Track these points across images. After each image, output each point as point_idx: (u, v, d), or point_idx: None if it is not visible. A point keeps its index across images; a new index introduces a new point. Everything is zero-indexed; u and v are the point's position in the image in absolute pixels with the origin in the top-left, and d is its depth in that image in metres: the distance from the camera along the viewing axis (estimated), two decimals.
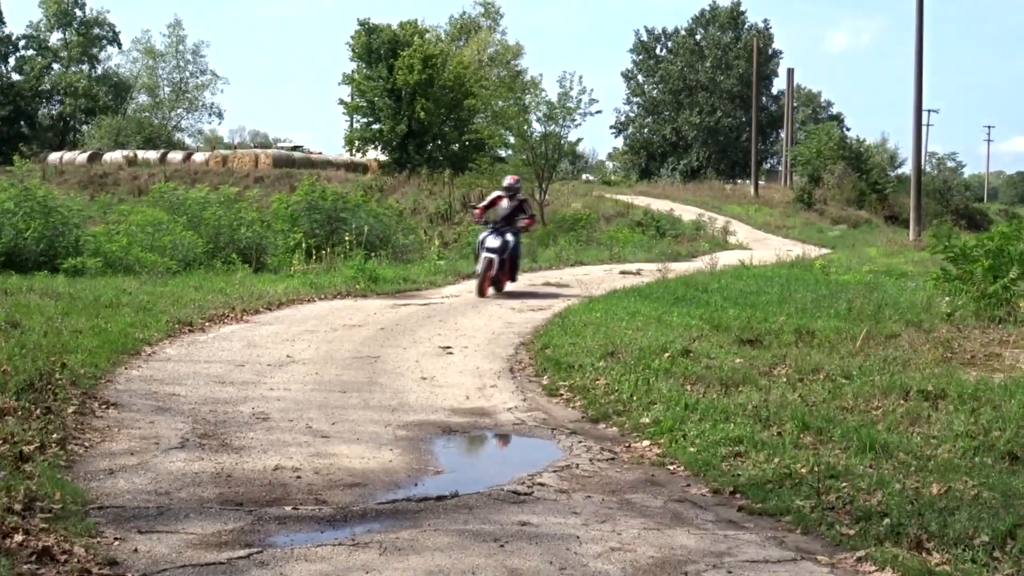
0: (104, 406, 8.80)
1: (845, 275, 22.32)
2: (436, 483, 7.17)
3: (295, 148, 73.57)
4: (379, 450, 7.86)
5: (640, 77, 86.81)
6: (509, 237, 18.26)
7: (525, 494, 6.81)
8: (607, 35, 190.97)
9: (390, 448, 7.93)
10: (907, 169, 61.22)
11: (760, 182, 63.70)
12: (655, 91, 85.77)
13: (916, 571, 5.45)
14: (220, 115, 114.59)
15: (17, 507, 5.63)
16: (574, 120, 39.43)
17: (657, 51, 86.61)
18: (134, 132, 76.83)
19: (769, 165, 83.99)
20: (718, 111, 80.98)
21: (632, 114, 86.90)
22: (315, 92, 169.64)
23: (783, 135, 73.42)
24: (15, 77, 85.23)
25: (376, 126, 62.44)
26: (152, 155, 64.99)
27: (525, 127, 39.88)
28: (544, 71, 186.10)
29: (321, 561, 5.41)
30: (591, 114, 41.61)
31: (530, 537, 5.86)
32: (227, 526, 5.92)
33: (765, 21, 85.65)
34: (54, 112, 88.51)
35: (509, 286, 18.78)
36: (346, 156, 66.61)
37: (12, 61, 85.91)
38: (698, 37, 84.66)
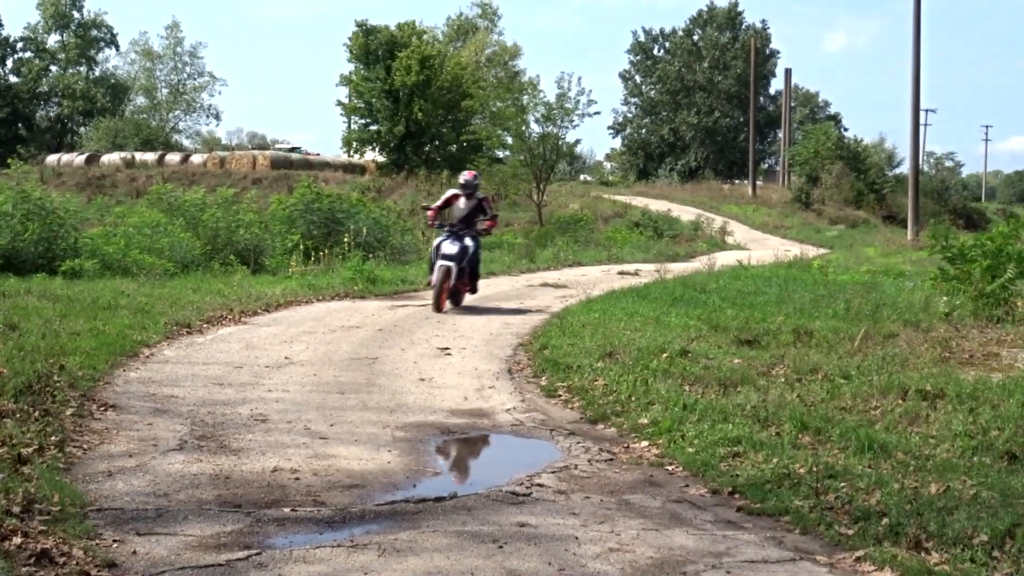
0: (102, 408, 8.80)
1: (843, 275, 22.33)
2: (435, 484, 7.18)
3: (293, 149, 73.46)
4: (377, 451, 7.86)
5: (638, 78, 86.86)
6: (468, 242, 16.02)
7: (524, 495, 6.82)
8: (605, 36, 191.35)
9: (388, 449, 7.93)
10: (905, 169, 61.44)
11: (758, 182, 63.72)
12: (653, 92, 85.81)
13: (915, 571, 5.45)
14: (218, 117, 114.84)
15: (16, 509, 5.63)
16: (572, 121, 39.42)
17: (655, 52, 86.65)
18: (132, 134, 76.71)
19: (767, 165, 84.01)
20: (716, 111, 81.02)
21: (630, 115, 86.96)
22: (313, 93, 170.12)
23: (781, 135, 73.47)
24: (13, 79, 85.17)
25: (374, 127, 62.37)
26: (150, 157, 64.91)
27: (523, 128, 39.86)
28: (542, 72, 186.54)
29: (320, 563, 5.41)
30: (589, 115, 41.69)
31: (529, 538, 5.86)
32: (226, 528, 5.92)
33: (762, 21, 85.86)
34: (52, 114, 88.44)
35: (468, 298, 16.74)
36: (344, 157, 66.54)
37: (10, 63, 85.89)
38: (695, 38, 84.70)
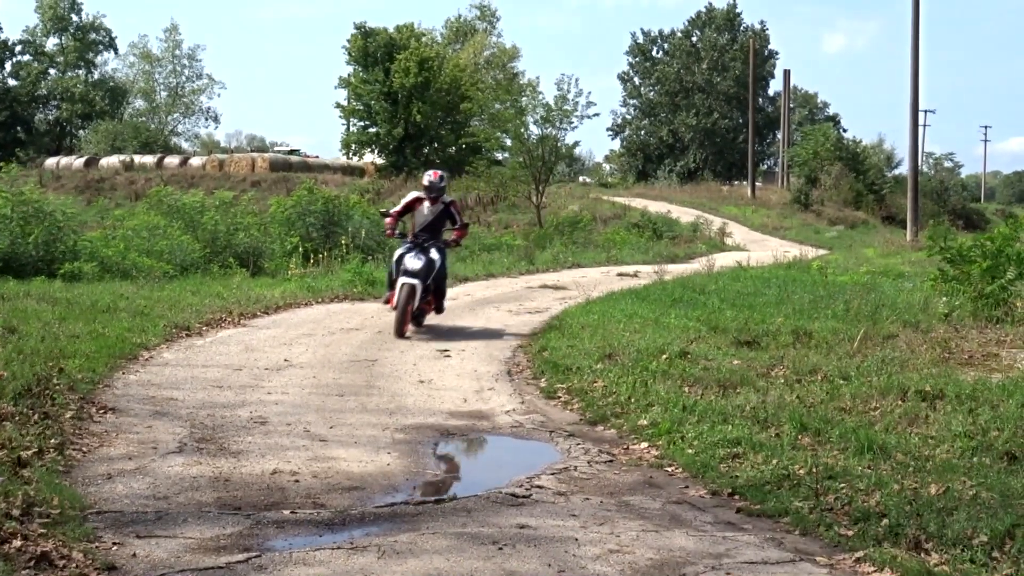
0: (102, 411, 8.80)
1: (842, 276, 22.32)
2: (434, 486, 7.18)
3: (292, 152, 73.53)
4: (377, 453, 7.86)
5: (637, 79, 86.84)
6: (434, 255, 13.81)
7: (523, 497, 6.82)
8: (604, 38, 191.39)
9: (388, 451, 7.93)
10: (904, 170, 61.39)
11: (757, 183, 63.69)
12: (652, 93, 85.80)
13: (915, 572, 5.45)
14: (216, 119, 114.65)
15: (15, 512, 5.62)
16: (571, 122, 39.43)
17: (653, 53, 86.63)
18: (131, 137, 76.72)
19: (766, 166, 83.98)
20: (715, 113, 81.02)
21: (629, 116, 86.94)
22: (312, 96, 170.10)
23: (780, 136, 73.47)
24: (11, 82, 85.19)
25: (373, 129, 62.50)
26: (149, 160, 64.95)
27: (522, 130, 39.87)
28: (541, 74, 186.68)
29: (319, 565, 5.41)
30: (588, 116, 41.80)
31: (528, 540, 5.86)
32: (225, 530, 5.92)
33: (761, 23, 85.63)
34: (51, 117, 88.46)
35: (431, 318, 14.48)
36: (343, 160, 66.67)
37: (8, 66, 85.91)
38: (694, 39, 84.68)
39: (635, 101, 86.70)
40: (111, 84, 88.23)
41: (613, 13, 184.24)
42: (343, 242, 24.72)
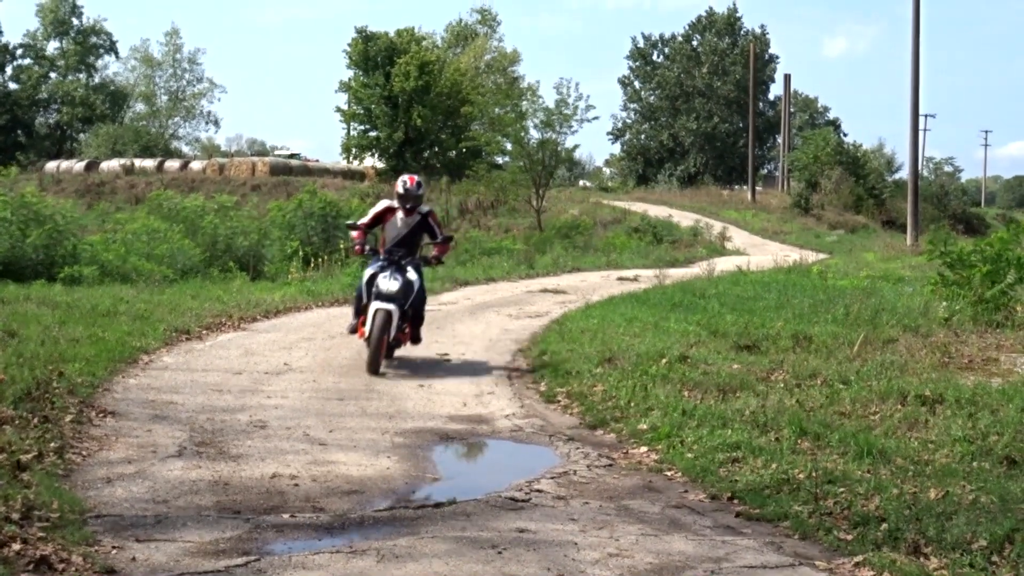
0: (102, 415, 8.80)
1: (842, 280, 22.32)
2: (434, 490, 7.18)
3: (292, 156, 73.53)
4: (377, 457, 7.86)
5: (637, 83, 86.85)
6: (412, 275, 11.72)
7: (523, 501, 6.82)
8: (604, 42, 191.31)
9: (388, 455, 7.94)
10: (904, 174, 61.29)
11: (757, 188, 63.69)
12: (652, 97, 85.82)
13: None
14: (217, 123, 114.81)
15: (15, 516, 5.62)
16: (571, 127, 39.47)
17: (654, 57, 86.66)
18: (131, 140, 76.72)
19: (766, 171, 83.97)
20: (715, 117, 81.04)
21: (629, 120, 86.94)
22: (312, 100, 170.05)
23: (780, 141, 73.48)
24: (12, 86, 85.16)
25: (373, 133, 62.52)
26: (149, 163, 64.94)
27: (522, 134, 39.90)
28: (541, 78, 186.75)
29: (319, 569, 5.41)
30: (588, 120, 41.59)
31: (528, 544, 5.86)
32: (225, 534, 5.92)
33: (762, 27, 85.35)
34: (51, 121, 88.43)
35: (403, 349, 12.24)
36: (343, 164, 66.65)
37: (9, 70, 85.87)
38: (695, 43, 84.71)
39: (635, 105, 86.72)
40: (112, 88, 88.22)
41: (614, 17, 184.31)
42: (342, 246, 24.74)
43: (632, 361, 11.23)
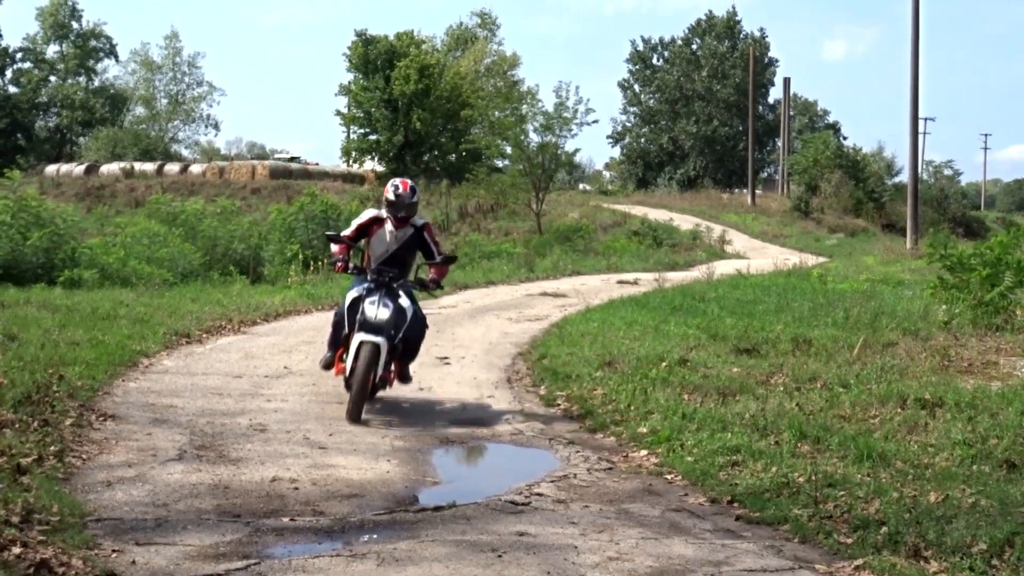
0: (101, 418, 8.80)
1: (842, 284, 22.34)
2: (434, 493, 7.18)
3: (292, 159, 73.55)
4: (376, 461, 7.86)
5: (636, 87, 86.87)
6: (404, 301, 9.51)
7: (523, 504, 6.81)
8: (604, 45, 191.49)
9: (387, 459, 7.94)
10: (904, 177, 61.28)
11: (757, 191, 63.68)
12: (651, 101, 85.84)
13: None
14: (217, 126, 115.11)
15: (15, 519, 5.62)
16: (571, 130, 39.51)
17: (653, 61, 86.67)
18: (131, 144, 76.72)
19: (766, 174, 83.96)
20: (715, 120, 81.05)
21: (629, 124, 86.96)
22: (312, 103, 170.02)
23: (780, 144, 73.48)
24: (12, 90, 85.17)
25: (373, 137, 62.53)
26: (149, 167, 64.91)
27: (522, 137, 39.92)
28: (541, 81, 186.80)
29: (318, 572, 5.41)
30: (588, 124, 41.67)
31: (528, 547, 5.86)
32: (225, 538, 5.92)
33: (761, 30, 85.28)
34: (51, 124, 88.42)
35: (390, 389, 10.07)
36: (343, 167, 66.63)
37: (9, 74, 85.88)
38: (694, 47, 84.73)
39: (635, 108, 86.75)
40: (111, 91, 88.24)
41: (613, 20, 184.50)
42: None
43: (632, 364, 11.23)
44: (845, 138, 79.79)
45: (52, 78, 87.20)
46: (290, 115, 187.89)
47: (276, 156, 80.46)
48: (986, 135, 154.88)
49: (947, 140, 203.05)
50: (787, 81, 69.61)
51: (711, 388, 10.06)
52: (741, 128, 78.19)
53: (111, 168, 65.00)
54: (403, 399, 10.23)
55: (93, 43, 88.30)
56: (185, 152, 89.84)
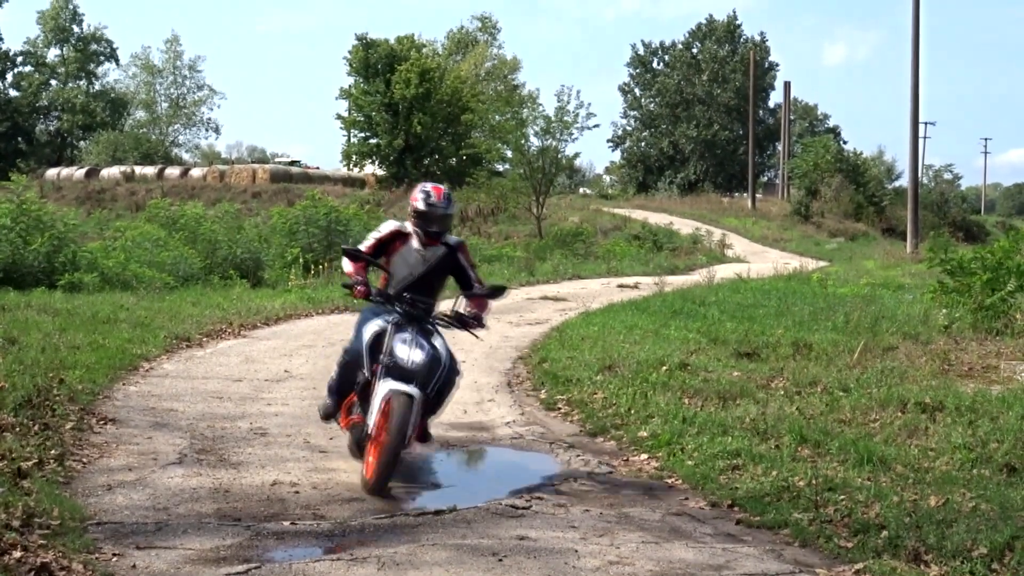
0: (102, 422, 8.80)
1: (842, 288, 22.35)
2: (434, 497, 7.18)
3: (293, 163, 73.53)
4: None
5: (637, 91, 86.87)
6: (439, 342, 7.53)
7: (523, 508, 6.81)
8: (604, 49, 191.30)
9: None
10: (904, 182, 61.44)
11: (757, 195, 63.72)
12: (652, 105, 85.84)
13: None
14: (217, 130, 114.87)
15: (15, 523, 5.62)
16: (571, 134, 39.49)
17: (654, 65, 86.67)
18: (131, 148, 76.74)
19: (766, 178, 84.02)
20: (715, 124, 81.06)
21: (629, 128, 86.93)
22: (312, 107, 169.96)
23: (780, 148, 73.51)
24: (12, 93, 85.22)
25: (373, 140, 62.56)
26: (149, 171, 64.93)
27: (522, 141, 39.93)
28: (541, 85, 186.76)
29: None
30: (588, 128, 41.64)
31: (528, 551, 5.86)
32: (225, 542, 5.92)
33: (761, 34, 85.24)
34: (51, 128, 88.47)
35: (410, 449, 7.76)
36: (343, 171, 66.65)
37: (9, 77, 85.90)
38: (695, 51, 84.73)
39: (635, 112, 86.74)
40: (112, 95, 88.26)
41: (614, 24, 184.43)
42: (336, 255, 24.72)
43: (632, 368, 11.24)
44: (845, 142, 79.95)
45: (53, 82, 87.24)
46: (291, 119, 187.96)
47: (276, 160, 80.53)
48: (986, 139, 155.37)
49: (947, 144, 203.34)
50: (787, 85, 69.66)
51: (711, 392, 10.06)
52: (741, 132, 78.22)
53: (111, 172, 65.03)
54: None
55: (94, 47, 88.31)
56: (186, 156, 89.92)
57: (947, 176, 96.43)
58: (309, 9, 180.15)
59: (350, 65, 62.87)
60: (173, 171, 65.30)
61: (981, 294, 14.74)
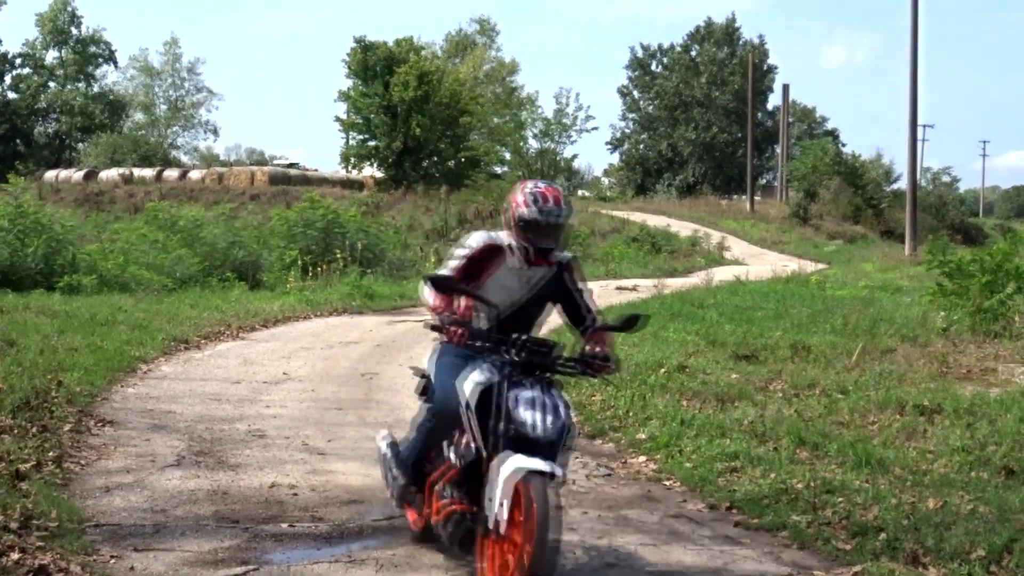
0: (100, 424, 8.80)
1: (841, 290, 22.35)
2: None
3: (291, 165, 73.48)
4: (376, 467, 7.81)
5: (636, 93, 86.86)
6: (561, 406, 5.34)
7: None
8: (603, 52, 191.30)
9: None
10: (902, 184, 61.34)
11: (756, 198, 63.72)
12: (651, 107, 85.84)
13: None
14: (216, 132, 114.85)
15: (13, 525, 5.62)
16: (570, 136, 39.95)
17: (652, 67, 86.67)
18: (130, 150, 76.64)
19: (765, 181, 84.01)
20: (714, 127, 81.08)
21: (628, 130, 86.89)
22: (311, 109, 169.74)
23: (779, 151, 73.55)
24: (11, 95, 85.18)
25: (372, 143, 62.53)
26: (148, 173, 64.85)
27: (521, 144, 40.02)
28: (540, 88, 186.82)
29: None
30: (587, 130, 42.14)
31: None
32: (223, 543, 5.92)
33: (760, 37, 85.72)
34: (50, 130, 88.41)
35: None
36: (342, 173, 66.63)
37: (8, 79, 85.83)
38: (693, 53, 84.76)
39: (634, 115, 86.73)
40: (111, 97, 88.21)
41: (612, 27, 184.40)
42: (338, 255, 24.71)
43: (631, 371, 11.23)
44: (844, 145, 79.83)
45: (51, 84, 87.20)
46: (289, 121, 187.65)
47: (275, 162, 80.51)
48: (984, 142, 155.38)
49: (945, 147, 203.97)
50: (786, 88, 69.73)
51: (710, 394, 10.06)
52: (740, 134, 78.21)
53: (110, 174, 64.97)
54: (403, 405, 10.22)
55: (92, 49, 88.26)
56: (184, 158, 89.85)
57: (945, 179, 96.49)
58: (308, 11, 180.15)
59: (348, 67, 62.84)
60: (172, 173, 65.27)
61: (979, 297, 14.74)
